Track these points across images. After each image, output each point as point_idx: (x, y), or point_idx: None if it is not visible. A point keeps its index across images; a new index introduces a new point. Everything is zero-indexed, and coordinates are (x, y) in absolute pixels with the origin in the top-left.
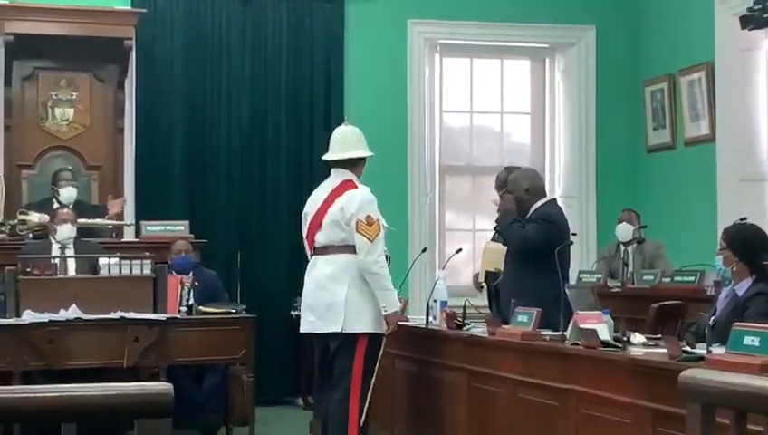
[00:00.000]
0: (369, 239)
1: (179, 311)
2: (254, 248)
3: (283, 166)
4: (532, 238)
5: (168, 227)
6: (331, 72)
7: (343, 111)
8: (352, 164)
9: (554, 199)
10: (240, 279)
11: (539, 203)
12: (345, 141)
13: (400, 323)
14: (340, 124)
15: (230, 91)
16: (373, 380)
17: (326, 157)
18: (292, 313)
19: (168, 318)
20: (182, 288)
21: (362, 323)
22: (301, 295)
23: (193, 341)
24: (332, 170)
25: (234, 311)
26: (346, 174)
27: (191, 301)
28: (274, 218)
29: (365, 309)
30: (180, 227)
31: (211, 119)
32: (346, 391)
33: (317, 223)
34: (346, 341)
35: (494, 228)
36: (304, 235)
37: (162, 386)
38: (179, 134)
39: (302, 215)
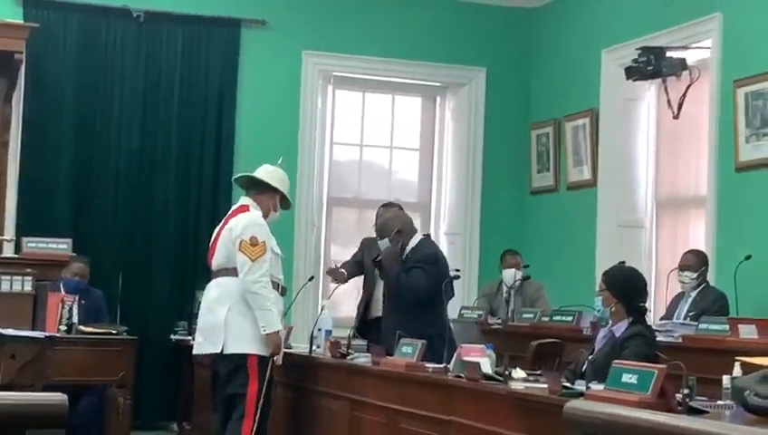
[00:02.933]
0: (250, 259)
1: (59, 329)
2: (138, 269)
3: (172, 188)
4: (424, 287)
5: (51, 245)
6: (223, 97)
7: (234, 135)
8: (262, 192)
9: (427, 235)
10: (121, 299)
11: (414, 242)
12: (270, 173)
13: (285, 349)
14: (230, 149)
15: (121, 110)
16: (260, 401)
17: (235, 176)
18: (173, 336)
19: (46, 336)
20: (62, 307)
21: (246, 344)
22: (182, 320)
23: (71, 360)
24: (240, 199)
25: (114, 332)
26: (247, 200)
27: (74, 319)
28: (159, 239)
29: (246, 330)
30: (63, 245)
31: (101, 136)
32: (242, 412)
33: (213, 247)
34: (237, 364)
35: (374, 261)
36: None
37: (57, 397)
38: (67, 150)
39: None
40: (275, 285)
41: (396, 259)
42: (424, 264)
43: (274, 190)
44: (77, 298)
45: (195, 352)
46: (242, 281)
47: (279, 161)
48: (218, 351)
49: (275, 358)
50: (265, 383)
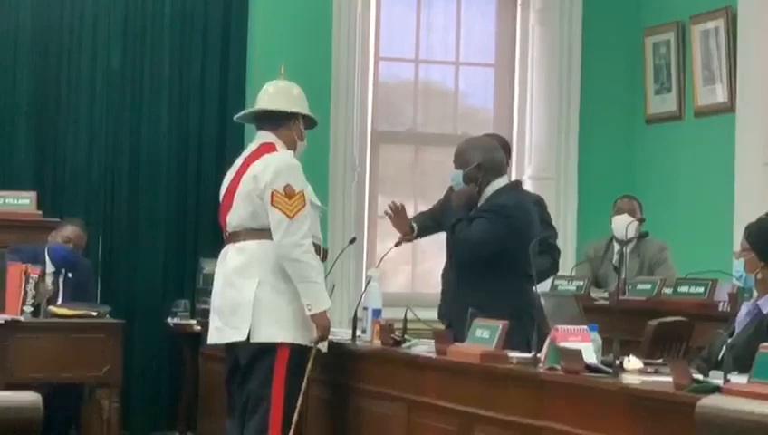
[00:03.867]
0: (287, 215)
1: (22, 311)
2: (122, 230)
3: (164, 122)
4: (479, 240)
5: (9, 200)
6: (231, 2)
7: (246, 52)
8: (278, 123)
9: (518, 182)
10: (101, 270)
11: (496, 186)
12: (276, 95)
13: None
14: (240, 65)
15: (96, 22)
16: (299, 404)
17: (239, 114)
18: (171, 320)
19: (6, 320)
20: (26, 281)
21: (279, 330)
22: (182, 298)
23: (40, 352)
24: (257, 134)
25: (95, 314)
26: (269, 136)
27: (60, 299)
28: (149, 190)
29: (282, 312)
30: (25, 201)
31: (69, 60)
32: (263, 422)
33: (229, 200)
34: (259, 355)
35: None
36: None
37: (28, 397)
38: (23, 76)
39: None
40: (316, 248)
41: (467, 202)
42: (492, 214)
43: (294, 115)
44: (64, 271)
45: (211, 341)
46: (279, 244)
47: (281, 71)
48: (244, 338)
49: (320, 345)
50: (304, 381)
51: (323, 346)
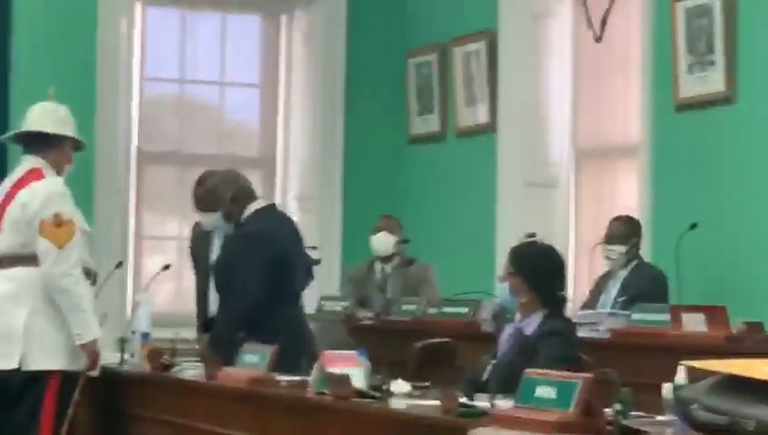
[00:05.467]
0: (56, 245)
1: None
2: None
3: None
4: (253, 296)
5: None
6: None
7: (9, 71)
8: (46, 146)
9: (271, 205)
10: None
11: (251, 209)
12: (43, 116)
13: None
14: (2, 91)
15: None
16: (64, 431)
17: (4, 136)
18: None
19: None
20: None
21: (51, 357)
22: None
23: None
24: (23, 157)
25: None
26: (35, 161)
27: None
28: None
29: (54, 339)
30: None
31: None
32: None
33: None
34: (30, 383)
35: None
36: None
37: None
38: None
39: None
40: (87, 273)
41: None
42: (242, 267)
43: (62, 138)
44: None
45: None
46: (48, 274)
47: (50, 93)
48: (14, 367)
49: (92, 372)
50: (70, 407)
51: (95, 372)
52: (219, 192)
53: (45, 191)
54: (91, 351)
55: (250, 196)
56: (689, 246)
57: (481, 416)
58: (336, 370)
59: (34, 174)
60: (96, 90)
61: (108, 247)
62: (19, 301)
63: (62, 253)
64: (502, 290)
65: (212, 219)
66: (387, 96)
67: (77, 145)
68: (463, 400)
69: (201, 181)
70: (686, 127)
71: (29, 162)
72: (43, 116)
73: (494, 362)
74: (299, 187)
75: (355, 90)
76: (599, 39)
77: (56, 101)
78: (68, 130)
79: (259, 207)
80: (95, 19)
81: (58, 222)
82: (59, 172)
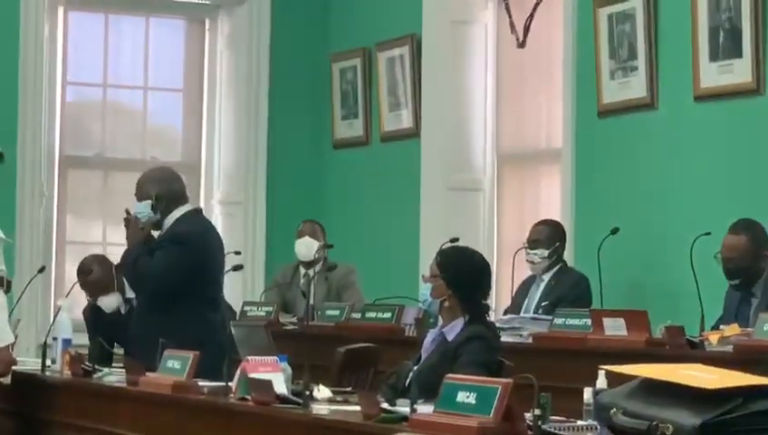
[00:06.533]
0: None
1: None
2: None
3: None
4: (160, 273)
5: None
6: None
7: None
8: None
9: (197, 210)
10: None
11: (176, 214)
12: None
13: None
14: None
15: None
16: None
17: None
18: None
19: None
20: None
21: None
22: None
23: None
24: None
25: None
26: None
27: None
28: None
29: None
30: None
31: None
32: None
33: None
34: None
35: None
36: None
37: None
38: None
39: None
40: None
41: (141, 237)
42: (170, 244)
43: None
44: None
45: None
46: None
47: None
48: None
49: (3, 380)
50: None
51: (7, 379)
52: (147, 186)
53: None
54: (3, 357)
55: (175, 200)
56: (611, 251)
57: (401, 421)
58: (258, 375)
59: None
60: (19, 94)
61: (30, 252)
62: None
63: None
64: (425, 291)
65: (140, 207)
66: (311, 100)
67: None
68: (384, 405)
69: (86, 271)
70: (609, 132)
71: None
72: None
73: (416, 367)
74: (223, 191)
75: (279, 94)
76: (521, 44)
77: None
78: None
79: (186, 211)
80: (17, 23)
81: None
82: None
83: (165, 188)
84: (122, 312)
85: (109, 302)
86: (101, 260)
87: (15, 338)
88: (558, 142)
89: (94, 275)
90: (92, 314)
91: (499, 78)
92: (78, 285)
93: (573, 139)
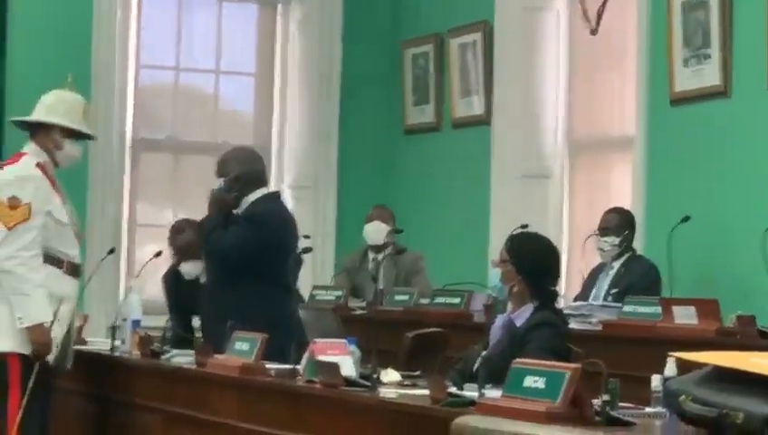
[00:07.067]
0: (5, 226)
1: None
2: None
3: None
4: (232, 246)
5: None
6: None
7: (5, 56)
8: (37, 133)
9: (276, 193)
10: None
11: (254, 196)
12: (40, 104)
13: (79, 345)
14: None
15: None
16: (19, 417)
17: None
18: None
19: None
20: None
21: (6, 338)
22: None
23: None
24: None
25: None
26: (26, 146)
27: None
28: None
29: (6, 321)
30: None
31: None
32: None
33: None
34: None
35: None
36: None
37: None
38: None
39: None
40: (57, 261)
41: (223, 209)
42: (246, 222)
43: (47, 126)
44: None
45: None
46: None
47: (68, 79)
48: None
49: (48, 358)
50: (28, 393)
51: (51, 358)
52: (228, 165)
53: (9, 174)
54: (35, 336)
55: (255, 182)
56: (682, 239)
57: (468, 405)
58: (326, 358)
59: (15, 157)
60: (92, 77)
61: (101, 234)
62: None
63: (10, 234)
64: (495, 277)
65: (221, 184)
66: (382, 86)
67: (77, 133)
68: (452, 389)
69: (179, 230)
70: (681, 120)
71: (25, 147)
72: (40, 103)
73: (484, 352)
74: (293, 176)
75: (350, 79)
76: (594, 32)
77: (73, 88)
78: (54, 117)
79: (265, 193)
80: (92, 6)
81: (13, 204)
82: (52, 158)
83: (246, 168)
84: (201, 281)
85: (190, 268)
86: (194, 225)
87: (86, 318)
88: (630, 130)
89: (184, 237)
90: (172, 279)
91: (571, 65)
92: (166, 247)
93: (645, 127)
